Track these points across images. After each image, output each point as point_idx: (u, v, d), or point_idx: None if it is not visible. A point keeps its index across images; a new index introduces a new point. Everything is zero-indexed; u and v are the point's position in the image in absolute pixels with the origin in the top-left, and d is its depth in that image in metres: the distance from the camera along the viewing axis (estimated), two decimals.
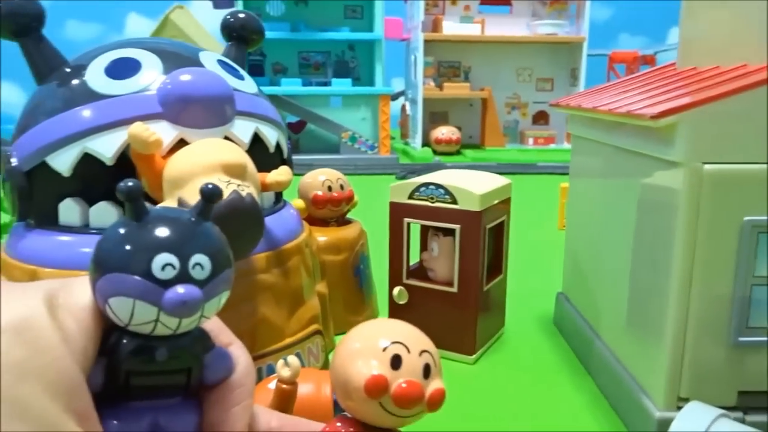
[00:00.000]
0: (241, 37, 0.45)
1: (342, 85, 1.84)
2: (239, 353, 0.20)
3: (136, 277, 0.16)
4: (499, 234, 0.51)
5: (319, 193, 0.53)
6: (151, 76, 0.36)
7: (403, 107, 2.32)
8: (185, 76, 0.35)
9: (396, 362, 0.20)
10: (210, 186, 0.18)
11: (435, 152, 1.97)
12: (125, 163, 0.34)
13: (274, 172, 0.38)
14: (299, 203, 0.53)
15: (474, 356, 0.48)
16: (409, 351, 0.20)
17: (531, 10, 2.22)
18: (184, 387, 0.18)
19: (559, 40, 2.14)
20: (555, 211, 0.99)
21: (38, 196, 0.36)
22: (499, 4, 2.21)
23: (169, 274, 0.16)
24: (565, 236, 0.56)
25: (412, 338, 0.21)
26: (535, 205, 1.10)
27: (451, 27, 2.10)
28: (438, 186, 0.45)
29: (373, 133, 1.85)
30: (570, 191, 0.56)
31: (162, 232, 0.17)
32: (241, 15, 0.45)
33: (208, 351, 0.19)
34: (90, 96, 0.35)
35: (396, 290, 0.49)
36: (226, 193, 0.31)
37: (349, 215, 0.57)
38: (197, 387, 0.18)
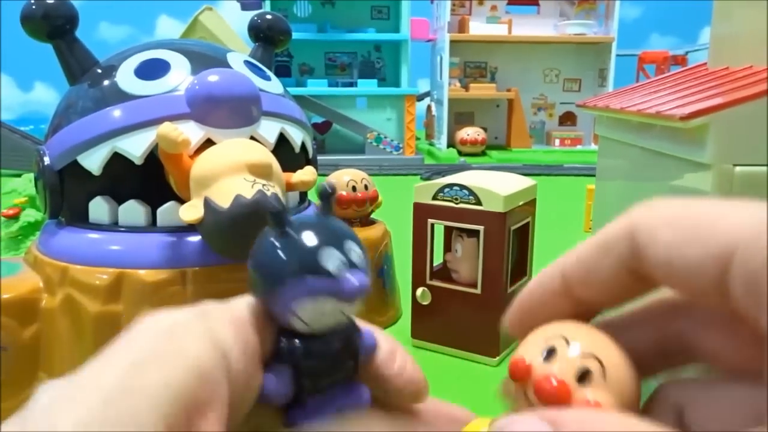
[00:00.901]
0: (268, 38, 0.45)
1: (368, 86, 1.84)
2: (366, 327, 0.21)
3: (313, 277, 0.17)
4: (523, 235, 0.51)
5: (344, 193, 0.53)
6: (180, 76, 0.37)
7: (429, 108, 2.32)
8: (212, 77, 0.35)
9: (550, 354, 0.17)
10: (327, 186, 0.19)
11: (460, 153, 1.96)
12: (154, 162, 0.34)
13: (299, 172, 0.38)
14: None
15: (497, 358, 0.48)
16: (568, 346, 0.17)
17: (558, 10, 2.19)
18: (353, 370, 0.19)
19: (587, 40, 2.12)
20: (581, 213, 0.98)
21: (69, 195, 0.37)
22: (526, 4, 2.20)
23: (338, 264, 0.18)
24: None
25: (581, 336, 0.17)
26: (561, 206, 1.08)
27: (478, 27, 2.09)
28: (462, 187, 0.45)
29: (399, 133, 1.85)
30: (596, 193, 0.56)
31: (315, 231, 0.18)
32: (268, 16, 0.45)
33: (358, 331, 0.20)
34: (120, 96, 0.36)
35: (419, 291, 0.49)
36: (252, 193, 0.31)
37: (373, 215, 0.57)
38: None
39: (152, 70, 0.37)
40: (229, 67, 0.38)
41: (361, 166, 0.68)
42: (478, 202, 0.44)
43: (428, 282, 0.49)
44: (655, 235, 0.15)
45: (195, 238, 0.35)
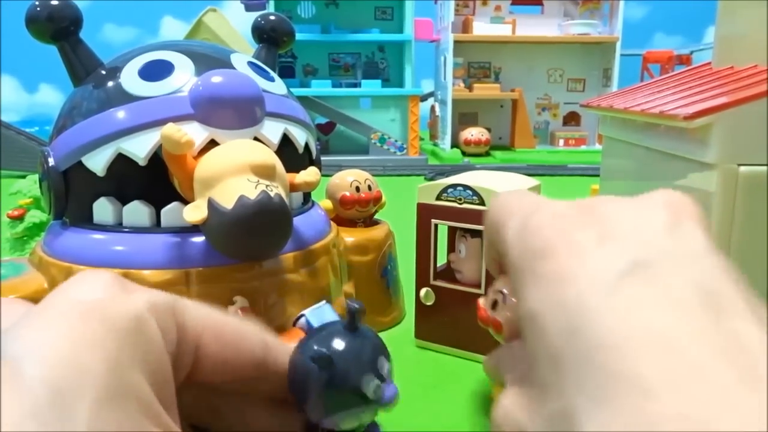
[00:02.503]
0: (271, 39, 0.45)
1: (371, 87, 1.85)
2: None
3: (357, 407, 0.20)
4: None
5: (347, 193, 0.53)
6: (183, 78, 0.37)
7: (433, 108, 2.32)
8: (216, 77, 0.35)
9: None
10: (354, 305, 0.21)
11: (464, 153, 1.96)
12: (158, 163, 0.34)
13: (302, 172, 0.38)
14: (327, 204, 0.53)
15: None
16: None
17: (563, 10, 2.19)
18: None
19: (592, 40, 2.11)
20: None
21: (74, 196, 0.37)
22: (530, 4, 2.19)
23: (375, 389, 0.20)
24: None
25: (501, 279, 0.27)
26: None
27: (482, 28, 2.09)
28: (466, 187, 0.45)
29: (403, 134, 1.85)
30: (600, 193, 0.56)
31: (355, 359, 0.21)
32: (272, 17, 0.45)
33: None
34: (124, 98, 0.36)
35: (423, 291, 0.49)
36: (255, 194, 0.31)
37: (377, 216, 0.57)
38: None
39: (156, 71, 0.37)
40: (232, 68, 0.39)
41: (364, 166, 0.68)
42: (482, 203, 0.44)
43: (432, 282, 0.48)
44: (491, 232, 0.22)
45: (199, 239, 0.35)
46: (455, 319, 0.47)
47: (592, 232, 0.17)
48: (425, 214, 0.47)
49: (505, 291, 0.27)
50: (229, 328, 0.19)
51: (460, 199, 0.45)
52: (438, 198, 0.46)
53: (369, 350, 0.21)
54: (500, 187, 0.44)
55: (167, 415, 0.15)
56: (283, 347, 0.22)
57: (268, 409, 0.22)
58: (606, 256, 0.16)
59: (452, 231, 0.50)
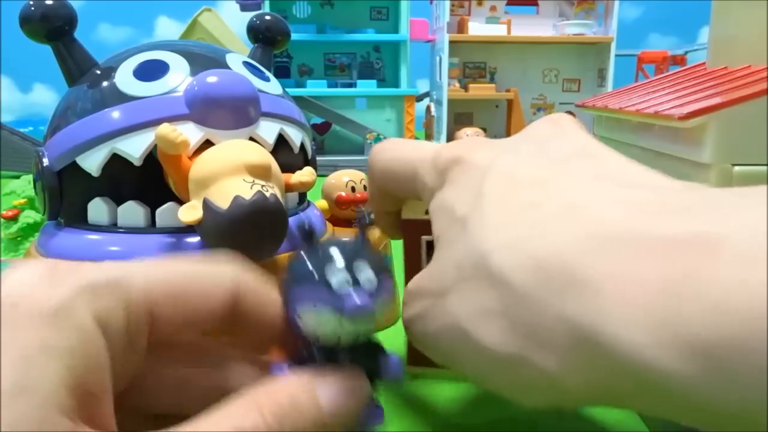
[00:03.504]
0: (267, 39, 0.45)
1: (367, 87, 1.84)
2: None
3: (320, 288, 0.20)
4: None
5: (343, 193, 0.53)
6: (178, 78, 0.37)
7: (428, 108, 2.32)
8: (211, 78, 0.35)
9: None
10: (363, 218, 0.22)
11: None
12: (153, 163, 0.34)
13: (298, 173, 0.38)
14: (323, 204, 0.53)
15: None
16: None
17: (558, 10, 2.19)
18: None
19: (587, 40, 2.12)
20: None
21: (68, 196, 0.37)
22: (525, 5, 2.20)
23: (346, 282, 0.20)
24: None
25: None
26: None
27: (477, 28, 2.09)
28: None
29: (398, 134, 1.85)
30: None
31: (332, 249, 0.21)
32: (267, 17, 0.45)
33: (382, 353, 0.22)
34: (119, 98, 0.36)
35: None
36: (251, 194, 0.31)
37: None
38: None
39: (151, 71, 0.37)
40: (228, 68, 0.39)
41: (360, 166, 0.68)
42: None
43: None
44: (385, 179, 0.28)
45: (194, 239, 0.35)
46: None
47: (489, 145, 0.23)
48: (413, 231, 0.37)
49: None
50: (183, 283, 0.19)
51: None
52: (428, 212, 0.35)
53: (356, 251, 0.21)
54: None
55: (97, 405, 0.15)
56: (264, 289, 0.21)
57: (247, 371, 0.21)
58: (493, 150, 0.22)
59: (415, 248, 0.39)
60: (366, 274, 0.20)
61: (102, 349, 0.16)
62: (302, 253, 0.21)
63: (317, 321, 0.20)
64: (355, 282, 0.20)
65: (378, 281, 0.21)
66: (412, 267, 0.38)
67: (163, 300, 0.18)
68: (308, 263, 0.21)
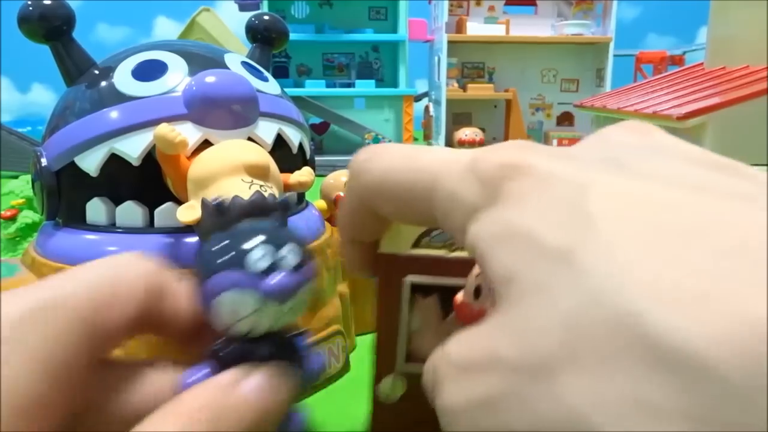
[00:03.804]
0: (265, 39, 0.45)
1: (366, 87, 1.85)
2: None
3: (236, 271, 0.18)
4: None
5: (342, 193, 0.53)
6: (177, 77, 0.37)
7: (427, 108, 2.32)
8: (210, 77, 0.35)
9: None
10: (283, 200, 0.21)
11: None
12: (151, 163, 0.34)
13: (296, 173, 0.38)
14: (321, 204, 0.53)
15: None
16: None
17: (556, 11, 2.20)
18: None
19: (585, 40, 2.12)
20: None
21: (66, 196, 0.37)
22: (524, 5, 2.20)
23: (266, 262, 0.18)
24: None
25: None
26: None
27: (476, 28, 2.09)
28: None
29: (397, 134, 1.85)
30: None
31: (252, 231, 0.19)
32: (266, 17, 0.45)
33: (304, 348, 0.21)
34: (117, 98, 0.36)
35: (386, 381, 0.28)
36: (249, 194, 0.31)
37: None
38: None
39: (149, 71, 0.37)
40: (226, 68, 0.38)
41: None
42: None
43: (400, 368, 0.28)
44: (368, 167, 0.19)
45: (193, 239, 0.35)
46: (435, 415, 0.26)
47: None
48: (394, 269, 0.27)
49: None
50: (95, 297, 0.18)
51: (451, 244, 0.27)
52: (416, 244, 0.27)
53: (278, 232, 0.20)
54: None
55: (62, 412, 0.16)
56: (176, 283, 0.20)
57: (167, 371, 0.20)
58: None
59: (387, 291, 0.28)
60: (287, 252, 0.19)
61: (49, 374, 0.16)
62: (214, 235, 0.20)
63: (235, 306, 0.18)
64: (278, 262, 0.19)
65: (300, 260, 0.19)
66: (389, 317, 0.28)
67: (87, 315, 0.17)
68: (221, 245, 0.19)
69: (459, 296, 0.23)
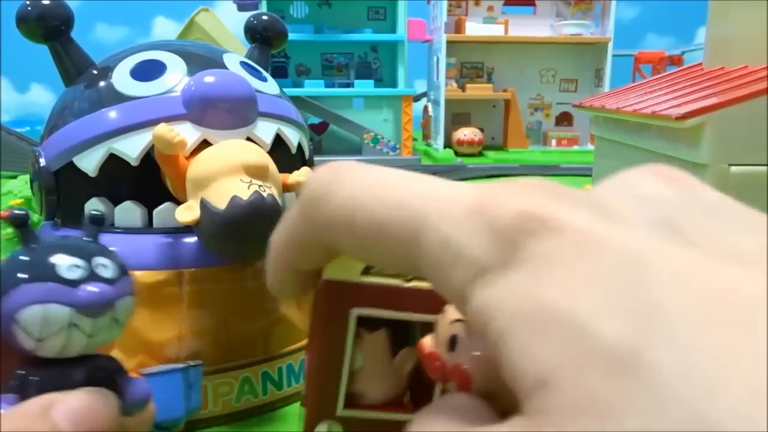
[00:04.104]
0: (264, 39, 0.45)
1: (364, 87, 1.84)
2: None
3: (44, 283, 0.16)
4: None
5: None
6: (176, 78, 0.37)
7: (426, 108, 2.32)
8: (208, 78, 0.35)
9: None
10: (94, 213, 0.19)
11: (457, 154, 1.97)
12: (150, 163, 0.34)
13: (295, 173, 0.38)
14: None
15: None
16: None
17: (555, 11, 2.20)
18: None
19: (584, 40, 2.12)
20: None
21: (65, 196, 0.37)
22: (522, 5, 2.20)
23: (77, 273, 0.17)
24: None
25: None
26: None
27: (474, 28, 2.09)
28: None
29: (396, 134, 1.85)
30: None
31: (60, 243, 0.18)
32: (265, 17, 0.45)
33: (122, 374, 0.18)
34: (116, 98, 0.36)
35: (323, 427, 0.23)
36: (248, 194, 0.31)
37: None
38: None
39: (148, 71, 0.37)
40: (225, 68, 0.38)
41: None
42: None
43: (341, 413, 0.23)
44: (337, 229, 0.15)
45: (191, 240, 0.35)
46: None
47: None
48: (339, 299, 0.22)
49: (463, 318, 0.18)
50: None
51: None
52: (366, 271, 0.22)
53: (90, 246, 0.18)
54: None
55: None
56: None
57: None
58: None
59: (338, 324, 0.23)
60: (101, 260, 0.18)
61: None
62: (20, 248, 0.18)
63: (43, 322, 0.16)
64: (90, 274, 0.17)
65: (116, 274, 0.18)
66: (330, 354, 0.23)
67: None
68: (22, 257, 0.17)
69: (427, 343, 0.19)
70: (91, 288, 0.17)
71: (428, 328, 0.22)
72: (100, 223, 0.19)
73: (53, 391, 0.17)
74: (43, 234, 0.18)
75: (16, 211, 0.17)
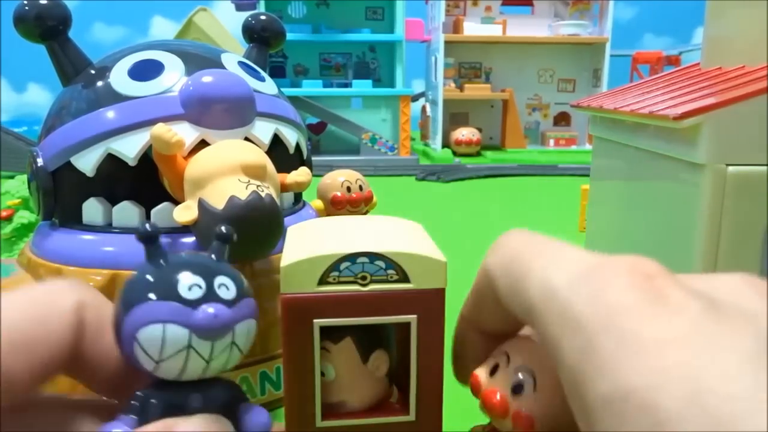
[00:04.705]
0: (262, 39, 0.45)
1: (362, 87, 1.84)
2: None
3: (164, 302, 0.16)
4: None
5: (338, 193, 0.53)
6: (174, 77, 0.36)
7: (424, 108, 2.32)
8: (206, 77, 0.35)
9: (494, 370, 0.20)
10: (223, 231, 0.19)
11: (455, 153, 1.97)
12: (147, 163, 0.34)
13: (293, 173, 0.38)
14: (318, 204, 0.53)
15: None
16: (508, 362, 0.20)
17: (553, 11, 2.20)
18: None
19: (582, 40, 2.12)
20: (576, 213, 0.98)
21: (63, 196, 0.37)
22: (520, 5, 2.20)
23: (197, 293, 0.16)
24: (585, 238, 0.56)
25: (521, 351, 0.20)
26: (556, 206, 1.09)
27: (472, 28, 2.09)
28: (375, 257, 0.23)
29: (394, 134, 1.85)
30: (591, 193, 0.56)
31: (183, 261, 0.17)
32: (263, 17, 0.45)
33: (241, 402, 0.18)
34: (113, 97, 0.36)
35: None
36: (246, 194, 0.31)
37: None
38: None
39: (146, 70, 0.37)
40: (223, 67, 0.38)
41: (356, 166, 0.68)
42: (404, 279, 0.23)
43: (319, 425, 0.23)
44: (497, 277, 0.17)
45: (189, 240, 0.35)
46: None
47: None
48: (300, 312, 0.22)
49: (508, 351, 0.20)
50: (22, 330, 0.16)
51: (364, 277, 0.23)
52: (322, 281, 0.22)
53: (211, 264, 0.18)
54: (426, 248, 0.23)
55: None
56: (108, 312, 0.17)
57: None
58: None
59: (302, 337, 0.23)
60: (222, 280, 0.17)
61: None
62: (146, 266, 0.17)
63: (162, 343, 0.16)
64: (210, 294, 0.17)
65: (236, 295, 0.17)
66: (300, 368, 0.23)
67: (7, 355, 0.15)
68: (146, 274, 0.17)
69: (482, 377, 0.20)
70: (209, 310, 0.16)
71: (401, 328, 0.23)
72: (227, 240, 0.19)
73: (172, 415, 0.16)
74: (169, 250, 0.17)
75: (147, 227, 0.17)
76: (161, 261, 0.17)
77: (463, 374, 0.21)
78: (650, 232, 0.40)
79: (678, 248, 0.36)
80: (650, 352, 0.11)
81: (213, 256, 0.18)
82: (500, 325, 0.19)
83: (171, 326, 0.16)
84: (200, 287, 0.16)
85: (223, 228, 0.19)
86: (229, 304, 0.17)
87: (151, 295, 0.16)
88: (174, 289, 0.16)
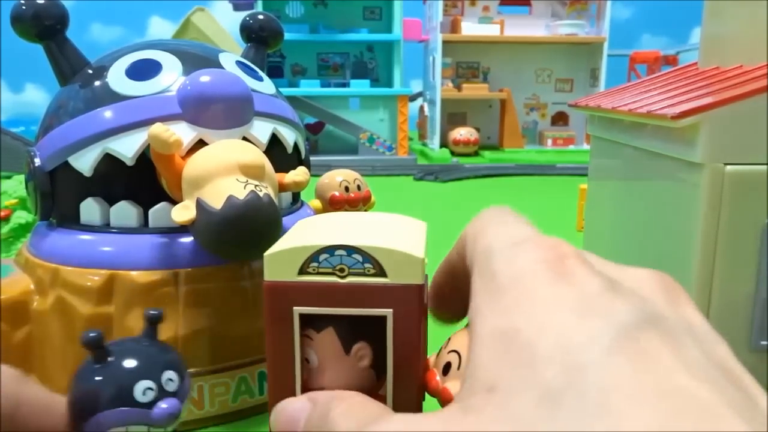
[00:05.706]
0: (260, 39, 0.45)
1: (360, 87, 1.84)
2: None
3: (124, 408, 0.20)
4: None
5: (336, 193, 0.53)
6: (171, 77, 0.36)
7: (422, 108, 2.32)
8: (204, 77, 0.35)
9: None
10: (152, 312, 0.22)
11: (453, 153, 1.97)
12: (145, 163, 0.34)
13: (291, 172, 0.38)
14: (316, 204, 0.53)
15: None
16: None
17: (550, 11, 2.20)
18: None
19: (579, 40, 2.12)
20: (573, 213, 0.98)
21: (60, 196, 0.37)
22: (518, 5, 2.20)
23: (150, 396, 0.20)
24: (584, 238, 0.56)
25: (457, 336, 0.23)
26: (554, 206, 1.09)
27: (470, 28, 2.09)
28: (352, 250, 0.24)
29: (392, 134, 1.85)
30: (588, 192, 0.56)
31: (131, 364, 0.21)
32: (260, 17, 0.45)
33: None
34: (111, 97, 0.36)
35: None
36: (244, 194, 0.31)
37: None
38: None
39: (143, 70, 0.37)
40: (221, 67, 0.38)
41: (354, 166, 0.68)
42: (381, 273, 0.24)
43: None
44: (468, 242, 0.19)
45: (187, 239, 0.35)
46: None
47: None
48: (280, 299, 0.24)
49: (459, 351, 0.21)
50: None
51: (342, 270, 0.24)
52: (302, 272, 0.24)
53: (155, 359, 0.21)
54: (405, 244, 0.24)
55: None
56: (39, 394, 0.20)
57: None
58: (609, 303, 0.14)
59: (279, 328, 0.25)
60: (173, 380, 0.21)
61: None
62: (95, 371, 0.21)
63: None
64: (161, 393, 0.21)
65: (179, 380, 0.21)
66: (281, 353, 0.24)
67: None
68: (104, 382, 0.21)
69: (431, 361, 0.23)
70: (164, 406, 0.20)
71: (381, 321, 0.23)
72: (156, 322, 0.22)
73: None
74: (111, 343, 0.22)
75: (91, 334, 0.20)
76: (109, 358, 0.20)
77: (443, 315, 0.24)
78: (648, 231, 0.40)
79: (676, 247, 0.36)
80: (540, 306, 0.14)
81: (147, 340, 0.22)
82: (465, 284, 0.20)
83: (133, 427, 0.20)
84: (152, 390, 0.20)
85: (151, 310, 0.22)
86: (176, 393, 0.21)
87: (112, 403, 0.20)
88: (130, 396, 0.20)
